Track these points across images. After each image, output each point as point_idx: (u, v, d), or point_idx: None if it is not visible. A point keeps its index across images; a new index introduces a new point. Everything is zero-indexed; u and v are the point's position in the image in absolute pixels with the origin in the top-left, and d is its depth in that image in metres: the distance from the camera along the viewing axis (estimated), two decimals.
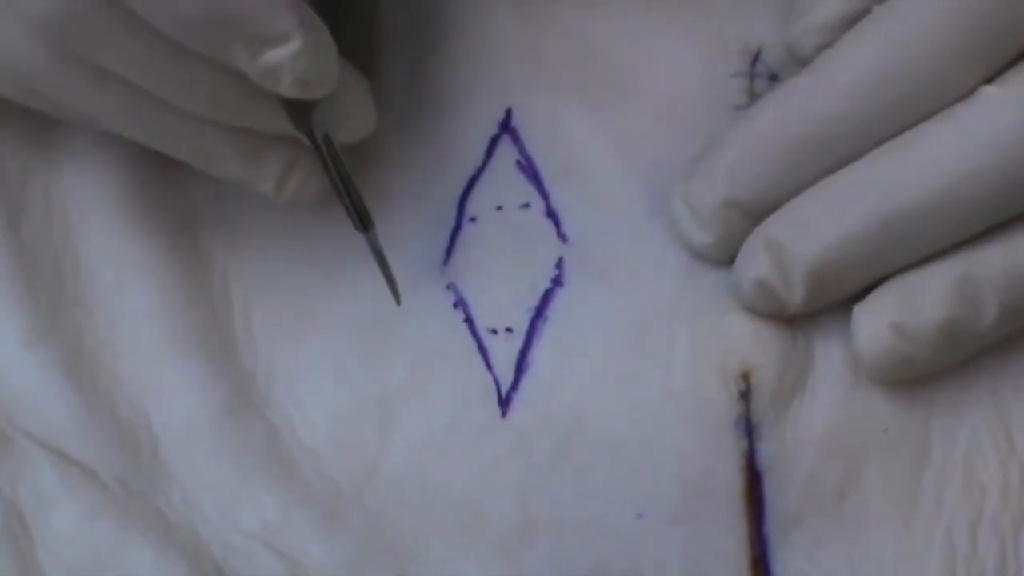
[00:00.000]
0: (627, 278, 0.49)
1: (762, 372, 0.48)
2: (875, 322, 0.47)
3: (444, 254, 0.50)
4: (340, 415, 0.49)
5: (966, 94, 0.46)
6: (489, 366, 0.49)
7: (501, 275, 0.50)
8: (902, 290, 0.47)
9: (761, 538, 0.47)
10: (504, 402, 0.48)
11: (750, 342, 0.48)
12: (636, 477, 0.47)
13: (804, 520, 0.47)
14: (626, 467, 0.47)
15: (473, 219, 0.50)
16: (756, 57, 0.51)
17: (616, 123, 0.50)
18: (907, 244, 0.46)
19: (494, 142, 0.51)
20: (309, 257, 0.50)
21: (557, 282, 0.49)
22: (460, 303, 0.49)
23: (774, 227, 0.47)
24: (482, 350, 0.49)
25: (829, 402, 0.48)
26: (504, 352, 0.49)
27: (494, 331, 0.49)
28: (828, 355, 0.48)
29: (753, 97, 0.50)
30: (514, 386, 0.48)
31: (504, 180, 0.50)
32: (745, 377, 0.48)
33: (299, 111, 0.46)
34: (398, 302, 0.48)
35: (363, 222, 0.47)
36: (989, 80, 0.46)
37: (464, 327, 0.49)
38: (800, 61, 0.49)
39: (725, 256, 0.48)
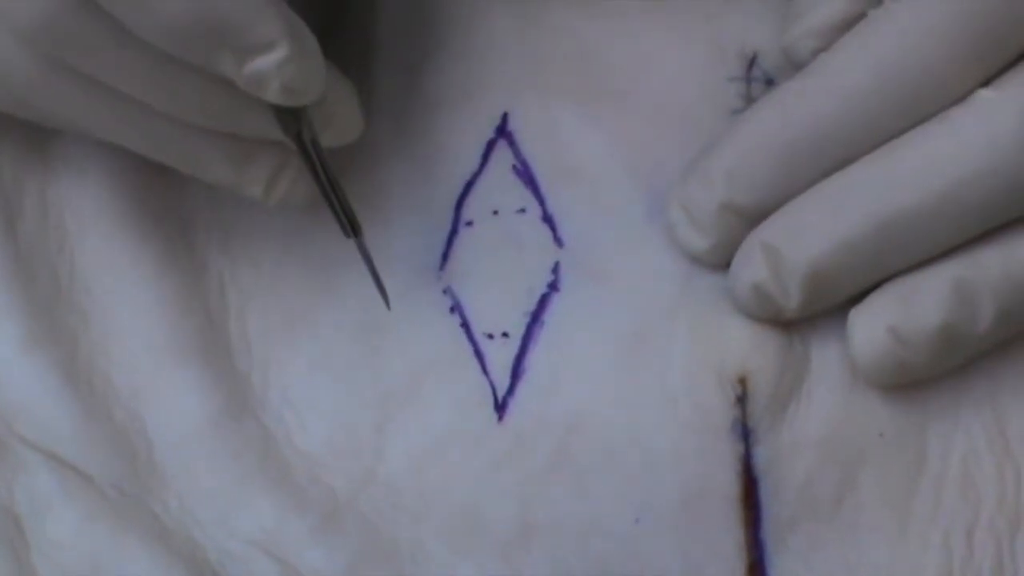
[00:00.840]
0: (624, 282, 0.49)
1: (759, 376, 0.47)
2: (872, 326, 0.47)
3: (440, 258, 0.50)
4: (336, 420, 0.49)
5: (962, 97, 0.46)
6: (485, 371, 0.49)
7: (497, 280, 0.49)
8: (899, 294, 0.47)
9: (757, 542, 0.47)
10: (500, 407, 0.48)
11: (747, 346, 0.48)
12: (633, 481, 0.47)
13: (800, 524, 0.47)
14: (623, 471, 0.47)
15: (469, 223, 0.50)
16: (752, 61, 0.51)
17: (613, 127, 0.50)
18: (904, 248, 0.46)
19: (490, 146, 0.51)
20: (305, 262, 0.50)
21: (553, 287, 0.49)
22: (456, 308, 0.49)
23: (770, 231, 0.47)
24: (478, 355, 0.49)
25: (826, 406, 0.48)
26: (500, 357, 0.49)
27: (490, 336, 0.49)
28: (825, 359, 0.48)
29: (749, 101, 0.50)
30: (510, 391, 0.48)
31: (500, 184, 0.50)
32: (742, 381, 0.47)
33: (287, 117, 0.46)
34: (388, 306, 0.48)
35: (352, 227, 0.48)
36: (985, 83, 0.46)
37: (460, 332, 0.49)
38: (797, 65, 0.49)
39: (722, 260, 0.48)
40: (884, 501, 0.47)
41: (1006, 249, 0.47)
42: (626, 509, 0.47)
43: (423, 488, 0.48)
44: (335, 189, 0.47)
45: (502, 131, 0.51)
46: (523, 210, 0.50)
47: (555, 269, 0.49)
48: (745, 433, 0.47)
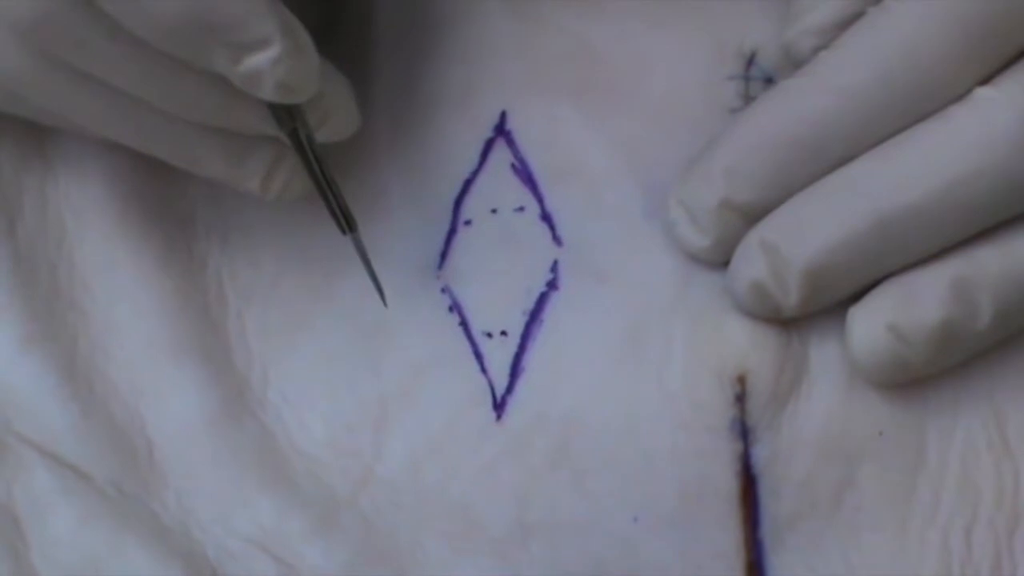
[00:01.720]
0: (622, 281, 0.49)
1: (758, 375, 0.47)
2: (871, 324, 0.47)
3: (439, 257, 0.50)
4: (335, 418, 0.49)
5: (961, 96, 0.46)
6: (484, 370, 0.49)
7: (496, 278, 0.49)
8: (898, 292, 0.47)
9: (756, 541, 0.47)
10: (499, 406, 0.48)
11: (746, 345, 0.48)
12: (632, 480, 0.47)
13: (799, 523, 0.47)
14: (622, 470, 0.47)
15: (468, 222, 0.50)
16: (751, 60, 0.51)
17: (611, 125, 0.50)
18: (903, 246, 0.46)
19: (489, 145, 0.51)
20: (304, 260, 0.50)
21: (552, 285, 0.49)
22: (455, 306, 0.49)
23: (769, 229, 0.47)
24: (477, 354, 0.49)
25: (825, 404, 0.48)
26: (499, 356, 0.49)
27: (489, 335, 0.49)
28: (824, 357, 0.48)
29: (748, 100, 0.50)
30: (509, 390, 0.48)
31: (499, 183, 0.50)
32: (741, 380, 0.47)
33: (283, 113, 0.46)
34: (384, 303, 0.48)
35: (347, 223, 0.48)
36: (984, 82, 0.46)
37: (459, 330, 0.49)
38: (796, 63, 0.48)
39: (721, 258, 0.48)
40: (883, 499, 0.47)
41: (1005, 247, 0.46)
42: (625, 508, 0.47)
43: (422, 487, 0.48)
44: (330, 185, 0.47)
45: (500, 130, 0.51)
46: (522, 209, 0.50)
47: (554, 268, 0.49)
48: (744, 432, 0.47)
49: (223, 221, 0.51)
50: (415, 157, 0.51)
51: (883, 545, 0.47)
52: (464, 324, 0.49)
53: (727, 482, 0.47)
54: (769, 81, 0.51)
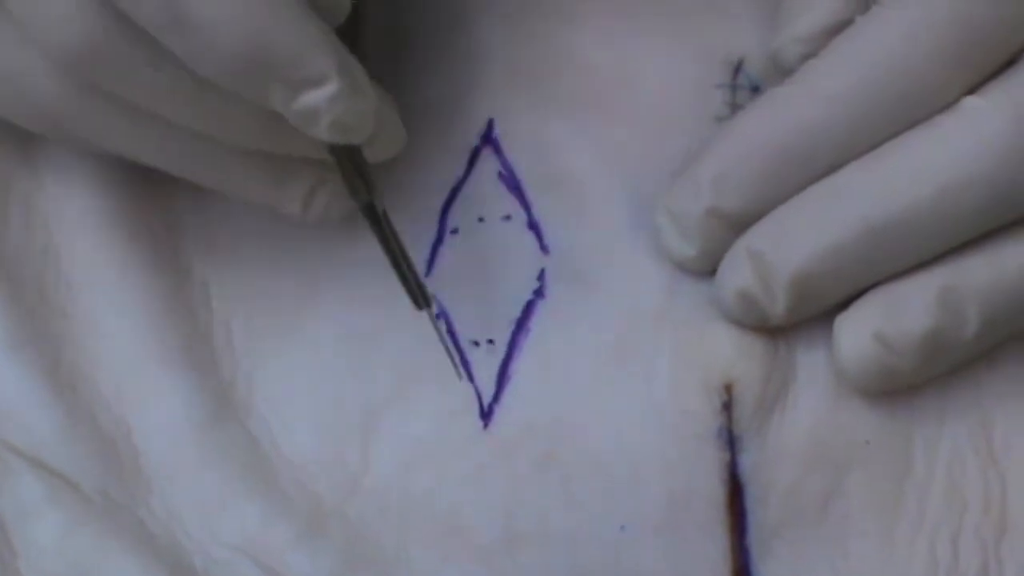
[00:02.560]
0: (609, 290, 0.49)
1: (744, 383, 0.47)
2: (858, 332, 0.47)
3: (426, 266, 0.50)
4: (321, 426, 0.49)
5: (949, 105, 0.46)
6: (471, 378, 0.49)
7: (483, 287, 0.49)
8: (885, 300, 0.47)
9: (743, 549, 0.47)
10: (486, 414, 0.48)
11: (733, 353, 0.48)
12: (619, 489, 0.47)
13: (786, 531, 0.47)
14: (609, 479, 0.47)
15: (455, 231, 0.50)
16: (738, 68, 0.51)
17: (598, 134, 0.50)
18: (890, 254, 0.46)
19: (476, 153, 0.51)
20: (291, 268, 0.50)
21: (539, 294, 0.49)
22: (441, 315, 0.49)
23: (756, 237, 0.47)
24: (464, 362, 0.49)
25: (811, 413, 0.48)
26: (486, 364, 0.49)
27: (476, 343, 0.49)
28: (811, 366, 0.48)
29: (735, 108, 0.50)
30: (496, 398, 0.48)
31: (486, 191, 0.50)
32: (727, 388, 0.47)
33: (360, 185, 0.46)
34: (459, 377, 0.48)
35: (424, 299, 0.47)
36: (972, 90, 0.46)
37: (446, 339, 0.49)
38: (784, 71, 0.48)
39: (708, 267, 0.48)
40: (870, 508, 0.47)
41: (992, 257, 0.47)
42: (612, 516, 0.47)
43: (409, 495, 0.48)
44: (406, 259, 0.47)
45: (487, 138, 0.51)
46: (508, 217, 0.50)
47: (540, 276, 0.49)
48: (731, 440, 0.47)
49: (210, 229, 0.51)
50: (402, 165, 0.51)
51: (870, 553, 0.47)
52: (451, 332, 0.49)
53: (714, 490, 0.47)
54: (756, 89, 0.51)
